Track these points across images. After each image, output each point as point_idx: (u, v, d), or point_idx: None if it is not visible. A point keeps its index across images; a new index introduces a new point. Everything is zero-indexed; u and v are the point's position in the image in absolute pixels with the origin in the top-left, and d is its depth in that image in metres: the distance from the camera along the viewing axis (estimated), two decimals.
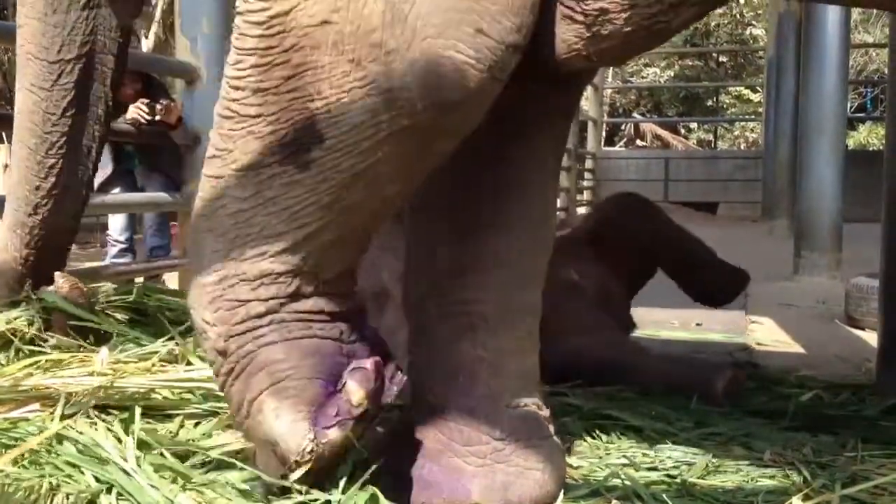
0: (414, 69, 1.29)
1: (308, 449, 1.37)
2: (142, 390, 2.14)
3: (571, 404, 2.34)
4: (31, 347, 2.37)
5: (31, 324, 2.44)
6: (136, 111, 4.51)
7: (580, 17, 1.41)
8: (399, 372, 1.49)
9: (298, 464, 1.39)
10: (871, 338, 3.12)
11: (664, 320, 3.99)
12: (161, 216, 5.68)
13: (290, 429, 1.38)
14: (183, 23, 4.48)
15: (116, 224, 5.74)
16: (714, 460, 1.97)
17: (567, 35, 1.43)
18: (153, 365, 2.34)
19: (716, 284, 3.24)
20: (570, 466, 1.78)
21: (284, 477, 1.41)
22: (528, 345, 1.70)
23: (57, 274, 2.58)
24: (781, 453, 2.02)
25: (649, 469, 1.93)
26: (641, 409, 2.35)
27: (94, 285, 2.85)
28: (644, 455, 2.02)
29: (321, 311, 1.45)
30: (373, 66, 1.30)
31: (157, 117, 4.44)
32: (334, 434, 1.37)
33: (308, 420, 1.38)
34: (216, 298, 1.43)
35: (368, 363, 1.42)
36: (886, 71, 3.46)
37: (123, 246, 5.71)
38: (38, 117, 2.51)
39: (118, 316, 2.71)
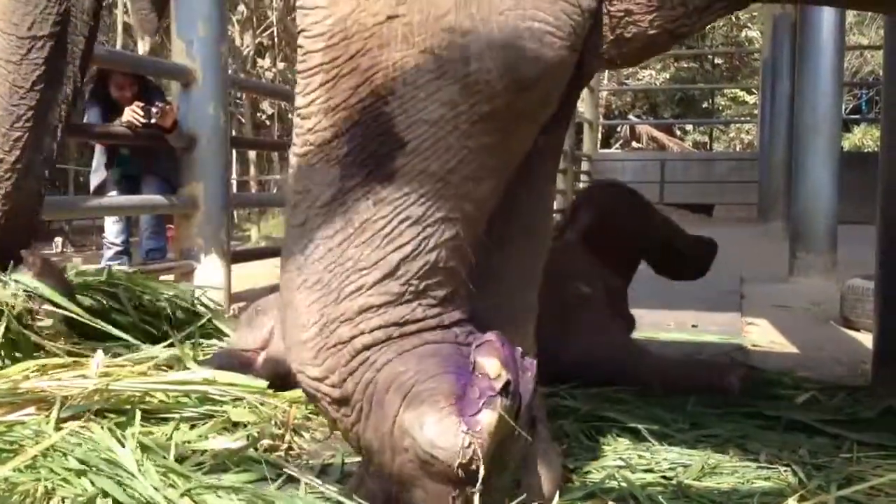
0: (492, 46, 1.25)
1: (466, 443, 1.25)
2: (138, 393, 2.14)
3: (567, 406, 2.34)
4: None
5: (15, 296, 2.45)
6: (132, 114, 4.51)
7: (605, 19, 1.41)
8: (525, 357, 1.39)
9: (465, 469, 1.26)
10: (867, 339, 3.13)
11: (660, 322, 4.00)
12: (157, 219, 5.68)
13: (439, 430, 1.27)
14: (179, 25, 4.48)
15: (112, 227, 5.75)
16: (710, 462, 1.97)
17: (593, 37, 1.41)
18: (148, 368, 2.34)
19: (686, 258, 3.24)
20: (566, 468, 1.78)
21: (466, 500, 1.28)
22: (528, 345, 1.70)
23: (24, 252, 2.55)
24: (777, 455, 2.02)
25: (645, 470, 1.93)
26: (637, 411, 2.35)
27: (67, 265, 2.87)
28: (640, 456, 2.02)
29: (430, 324, 1.37)
30: (447, 52, 1.25)
31: (153, 120, 4.44)
32: (486, 416, 1.26)
33: (454, 413, 1.27)
34: (319, 351, 1.35)
35: (490, 335, 1.35)
36: (881, 73, 3.46)
37: (119, 248, 5.71)
38: (4, 89, 2.48)
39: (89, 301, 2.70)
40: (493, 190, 1.38)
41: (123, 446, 1.75)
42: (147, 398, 2.14)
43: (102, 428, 1.84)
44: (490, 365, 1.29)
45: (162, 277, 5.39)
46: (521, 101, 1.30)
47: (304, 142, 1.35)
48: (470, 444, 1.25)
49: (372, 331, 1.33)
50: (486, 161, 1.32)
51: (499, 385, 1.28)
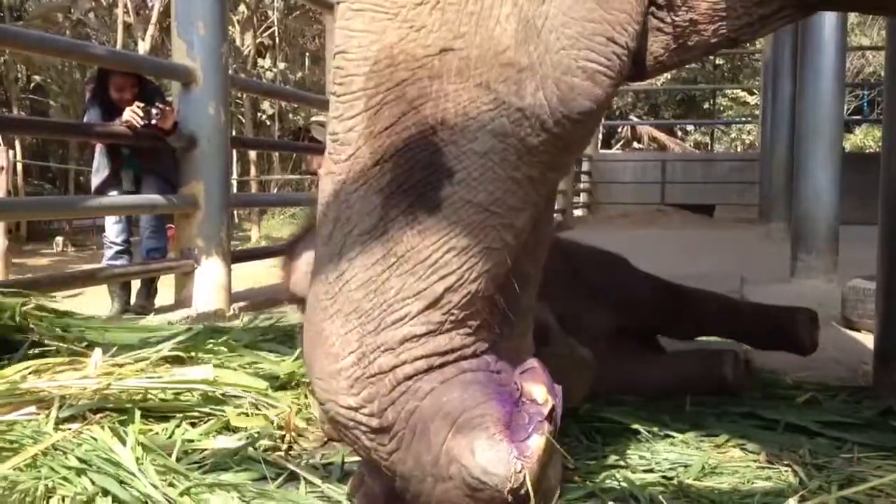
0: (547, 82, 1.28)
1: (518, 468, 1.26)
2: (138, 393, 2.14)
3: (566, 406, 2.34)
4: None
5: None
6: (132, 114, 4.52)
7: (669, 29, 1.43)
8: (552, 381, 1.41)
9: (515, 494, 1.27)
10: (868, 340, 3.13)
11: None
12: (157, 218, 5.68)
13: (492, 456, 1.27)
14: (179, 25, 4.49)
15: (113, 226, 5.75)
16: (710, 462, 1.97)
17: (655, 46, 1.45)
18: (148, 366, 2.34)
19: None
20: (566, 468, 1.78)
21: None
22: (524, 345, 1.70)
23: None
24: (778, 455, 2.02)
25: (645, 471, 1.92)
26: (637, 411, 2.35)
27: None
28: (640, 457, 2.02)
29: (466, 353, 1.37)
30: (503, 86, 1.28)
31: (153, 121, 4.44)
32: (535, 441, 1.28)
33: (505, 440, 1.28)
34: (357, 380, 1.34)
35: (532, 362, 1.38)
36: (883, 74, 3.46)
37: (120, 248, 5.72)
38: None
39: None
40: (530, 220, 1.39)
41: (124, 445, 1.75)
42: (147, 397, 2.15)
43: (103, 427, 1.84)
44: (538, 391, 1.33)
45: (163, 277, 5.42)
46: (569, 134, 1.33)
47: (342, 168, 1.34)
48: (521, 469, 1.26)
49: (414, 360, 1.33)
50: (528, 192, 1.35)
51: (546, 410, 1.31)
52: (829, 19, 6.34)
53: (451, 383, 1.33)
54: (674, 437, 2.15)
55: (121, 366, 2.32)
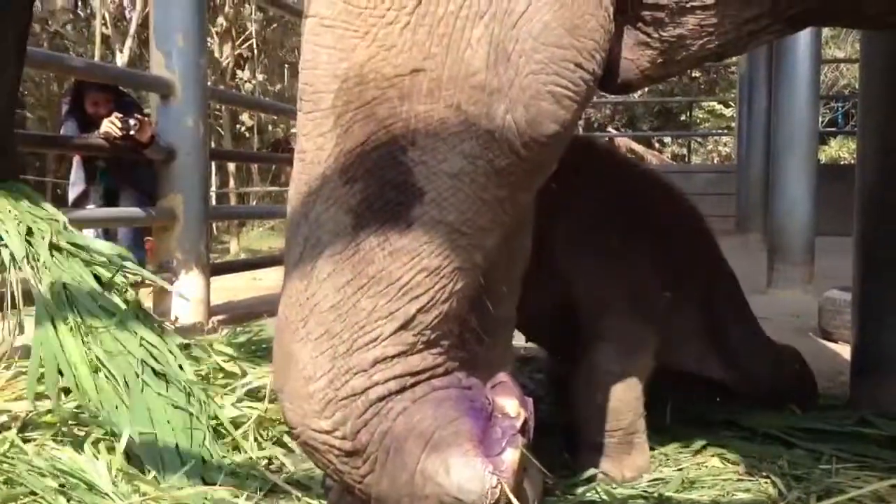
0: (516, 106, 1.30)
1: (494, 483, 1.27)
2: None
3: (544, 420, 2.34)
4: None
5: None
6: (110, 125, 4.49)
7: (656, 44, 1.46)
8: (523, 393, 1.43)
9: None
10: (845, 350, 3.15)
11: None
12: (135, 231, 5.63)
13: (467, 473, 1.28)
14: (157, 37, 4.47)
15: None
16: (690, 475, 1.98)
17: (641, 60, 1.48)
18: None
19: None
20: (547, 482, 1.78)
21: None
22: (506, 357, 1.70)
23: None
24: (757, 466, 2.03)
25: (625, 484, 1.93)
26: None
27: None
28: None
29: (438, 371, 1.38)
30: (473, 108, 1.29)
31: (131, 132, 4.41)
32: (510, 455, 1.30)
33: (479, 455, 1.29)
34: (329, 403, 1.33)
35: (503, 377, 1.38)
36: (857, 86, 3.50)
37: None
38: None
39: None
40: (499, 240, 1.41)
41: (97, 459, 1.74)
42: None
43: (76, 449, 1.83)
44: (510, 405, 1.34)
45: (140, 291, 5.37)
46: (536, 156, 1.34)
47: (312, 188, 1.34)
48: (497, 484, 1.27)
49: (386, 381, 1.33)
50: (497, 213, 1.36)
51: (519, 423, 1.32)
52: (803, 32, 6.40)
53: (423, 402, 1.34)
54: (653, 450, 2.15)
55: None
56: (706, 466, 2.08)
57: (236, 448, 2.05)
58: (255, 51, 15.79)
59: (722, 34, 1.44)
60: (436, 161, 1.30)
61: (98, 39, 12.82)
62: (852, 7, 1.45)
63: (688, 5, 1.41)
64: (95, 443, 1.89)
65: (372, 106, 1.30)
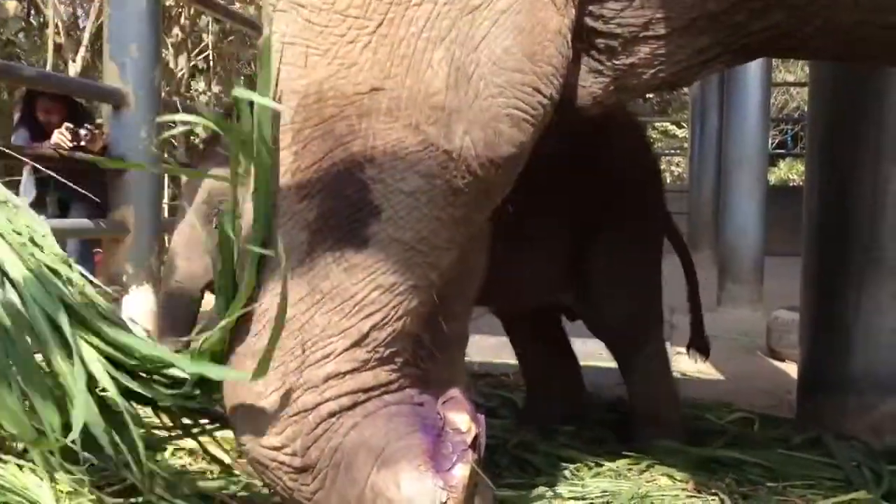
0: (475, 127, 1.31)
1: (444, 498, 1.27)
2: None
3: (497, 436, 2.34)
4: None
5: None
6: (60, 137, 4.43)
7: (609, 72, 1.48)
8: (475, 409, 1.42)
9: None
10: (792, 370, 3.20)
11: (592, 352, 4.02)
12: (83, 243, 5.55)
13: (418, 488, 1.28)
14: (111, 47, 4.41)
15: None
16: (640, 491, 1.99)
17: (593, 87, 1.50)
18: None
19: None
20: (497, 499, 1.78)
21: None
22: (458, 374, 1.70)
23: None
24: (705, 483, 2.05)
25: (576, 499, 1.94)
26: (567, 441, 2.37)
27: None
28: (571, 486, 2.03)
29: (391, 388, 1.37)
30: (432, 128, 1.30)
31: (82, 143, 4.35)
32: (460, 470, 1.29)
33: (430, 471, 1.29)
34: (280, 419, 1.32)
35: (454, 392, 1.38)
36: (806, 109, 3.57)
37: None
38: None
39: None
40: (454, 259, 1.41)
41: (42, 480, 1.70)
42: None
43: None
44: (461, 420, 1.34)
45: None
46: (492, 178, 1.36)
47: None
48: (447, 499, 1.27)
49: (338, 397, 1.32)
50: (453, 232, 1.36)
51: (470, 438, 1.32)
52: None
53: (374, 417, 1.33)
54: (602, 466, 2.17)
55: None
56: (656, 483, 2.10)
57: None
58: (212, 62, 15.69)
59: (674, 63, 1.46)
60: (393, 179, 1.30)
61: (50, 48, 12.64)
62: (799, 42, 1.49)
63: (640, 35, 1.43)
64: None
65: (330, 123, 1.30)
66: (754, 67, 6.48)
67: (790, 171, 19.56)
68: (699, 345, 2.78)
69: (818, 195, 2.84)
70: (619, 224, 2.41)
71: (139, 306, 4.44)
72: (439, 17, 1.30)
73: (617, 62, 1.46)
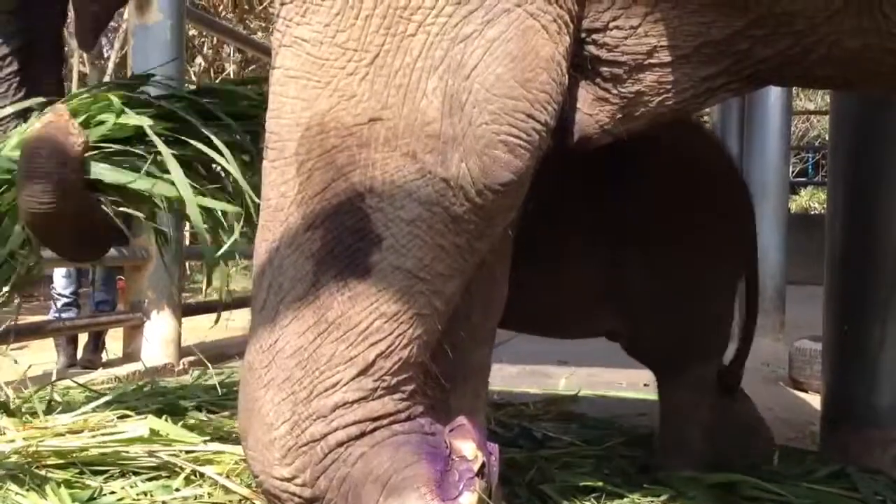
0: (471, 154, 1.32)
1: None
2: (70, 452, 2.08)
3: (516, 467, 2.32)
4: None
5: None
6: None
7: (615, 100, 1.49)
8: (488, 442, 1.43)
9: None
10: (815, 400, 3.16)
11: (613, 381, 4.01)
12: (107, 270, 5.59)
13: None
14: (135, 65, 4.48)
15: (61, 279, 5.64)
16: None
17: (600, 116, 1.50)
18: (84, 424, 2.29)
19: None
20: None
21: None
22: (479, 404, 1.70)
23: None
24: None
25: None
26: (587, 471, 2.35)
27: None
28: None
29: (400, 417, 1.38)
30: (429, 157, 1.32)
31: None
32: (467, 499, 1.30)
33: (436, 499, 1.29)
34: (290, 450, 1.34)
35: (461, 420, 1.39)
36: (827, 137, 3.57)
37: (68, 300, 5.61)
38: None
39: None
40: (459, 286, 1.42)
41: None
42: (77, 455, 2.08)
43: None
44: (467, 448, 1.34)
45: (110, 331, 5.31)
46: (491, 204, 1.37)
47: (276, 235, 1.36)
48: None
49: (346, 427, 1.34)
50: (456, 259, 1.38)
51: (476, 467, 1.32)
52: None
53: (381, 446, 1.34)
54: (623, 498, 2.14)
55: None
56: None
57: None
58: None
59: (680, 91, 1.47)
60: (393, 208, 1.32)
61: (75, 77, 12.80)
62: (806, 69, 1.49)
63: (645, 62, 1.44)
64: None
65: (332, 154, 1.33)
66: (774, 95, 6.47)
67: (811, 199, 19.45)
68: (732, 376, 2.57)
69: (841, 223, 2.82)
70: (661, 242, 2.27)
71: (160, 332, 4.47)
72: (433, 47, 1.32)
73: (623, 90, 1.47)
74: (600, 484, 2.23)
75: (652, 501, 2.15)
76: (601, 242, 2.28)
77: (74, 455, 2.06)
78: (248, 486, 2.09)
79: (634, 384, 4.04)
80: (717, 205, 2.37)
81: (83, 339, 5.67)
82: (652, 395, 3.77)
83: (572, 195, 2.19)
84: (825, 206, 3.09)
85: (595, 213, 2.24)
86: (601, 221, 2.26)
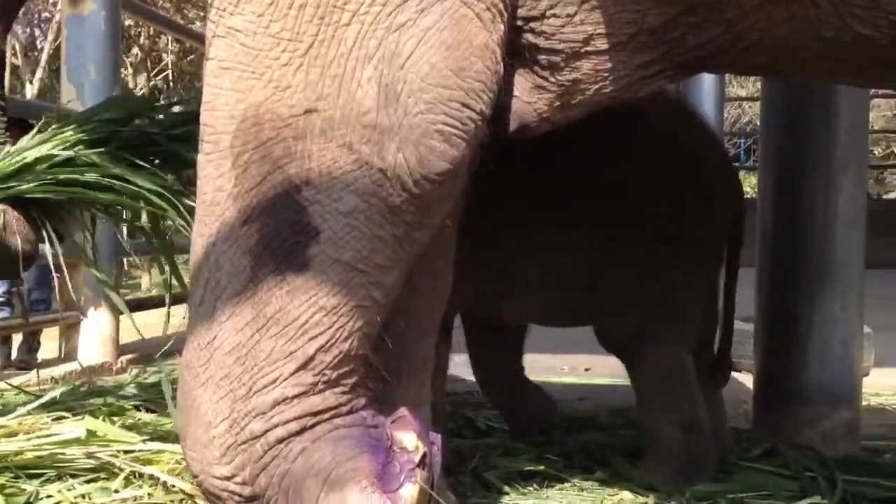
0: (406, 144, 1.32)
1: None
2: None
3: (460, 456, 2.35)
4: None
5: None
6: None
7: (553, 88, 1.49)
8: (430, 432, 1.42)
9: None
10: (748, 380, 3.24)
11: (555, 366, 4.05)
12: (41, 268, 5.47)
13: None
14: (69, 68, 4.38)
15: None
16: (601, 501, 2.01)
17: (538, 104, 1.51)
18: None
19: None
20: None
21: None
22: (424, 395, 1.71)
23: None
24: (666, 499, 2.07)
25: None
26: (530, 456, 2.38)
27: None
28: (534, 502, 2.05)
29: (341, 411, 1.37)
30: (365, 147, 1.31)
31: None
32: (408, 490, 1.28)
33: (377, 491, 1.28)
34: (229, 448, 1.32)
35: (402, 411, 1.38)
36: (759, 123, 3.64)
37: (1, 300, 5.49)
38: None
39: None
40: (399, 278, 1.42)
41: None
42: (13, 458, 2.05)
43: None
44: (408, 439, 1.33)
45: (46, 330, 5.21)
46: (429, 194, 1.37)
47: (212, 230, 1.34)
48: None
49: (286, 423, 1.32)
50: (395, 250, 1.37)
51: (417, 457, 1.31)
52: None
53: (321, 441, 1.33)
54: (565, 480, 2.18)
55: None
56: (617, 497, 2.12)
57: None
58: (171, 82, 15.58)
59: (616, 79, 1.48)
60: (330, 200, 1.31)
61: (7, 69, 12.51)
62: (737, 57, 1.52)
63: (582, 50, 1.46)
64: None
65: (268, 146, 1.31)
66: (708, 82, 6.59)
67: (744, 184, 19.81)
68: (721, 371, 2.56)
69: (771, 208, 2.89)
70: (630, 227, 2.26)
71: (97, 331, 4.40)
72: (367, 37, 1.31)
73: (560, 78, 1.48)
74: (542, 468, 2.27)
75: (592, 483, 2.19)
76: (584, 229, 2.28)
77: (9, 459, 2.02)
78: (190, 484, 2.09)
79: (575, 369, 4.10)
80: (686, 185, 2.32)
81: (17, 339, 5.56)
82: (593, 379, 3.84)
83: (555, 184, 2.24)
84: (756, 190, 3.16)
85: (578, 201, 2.25)
86: (583, 209, 2.26)
